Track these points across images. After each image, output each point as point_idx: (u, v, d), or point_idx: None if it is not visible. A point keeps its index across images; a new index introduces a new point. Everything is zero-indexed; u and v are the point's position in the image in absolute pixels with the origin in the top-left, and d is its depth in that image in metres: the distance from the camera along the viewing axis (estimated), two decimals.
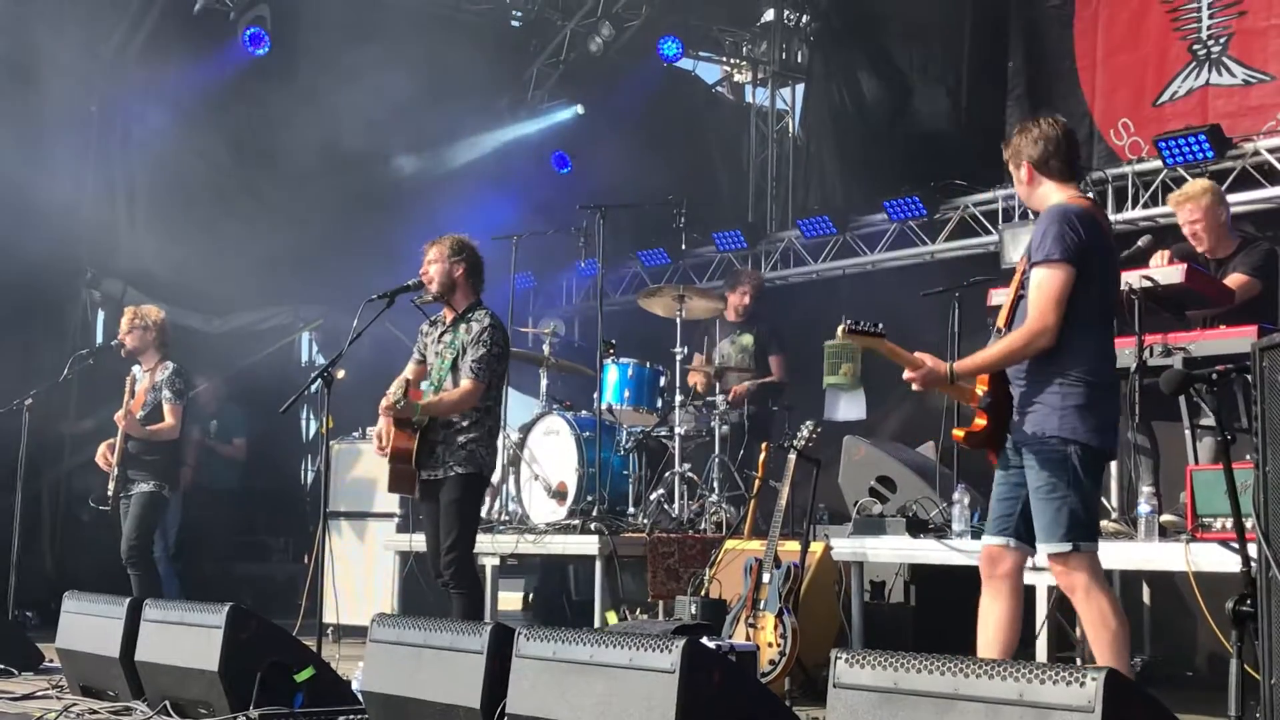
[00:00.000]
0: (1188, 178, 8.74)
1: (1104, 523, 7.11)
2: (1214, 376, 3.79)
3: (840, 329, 4.79)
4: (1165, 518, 6.32)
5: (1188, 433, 6.34)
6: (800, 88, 13.92)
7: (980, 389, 4.89)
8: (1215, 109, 9.27)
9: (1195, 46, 9.43)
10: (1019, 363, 4.82)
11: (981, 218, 10.37)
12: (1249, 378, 3.69)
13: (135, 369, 8.42)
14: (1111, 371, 4.96)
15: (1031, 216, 9.58)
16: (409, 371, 6.84)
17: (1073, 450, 4.73)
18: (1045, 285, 4.73)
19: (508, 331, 6.95)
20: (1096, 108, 9.87)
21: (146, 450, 8.23)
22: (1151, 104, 9.62)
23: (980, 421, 4.90)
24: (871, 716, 3.25)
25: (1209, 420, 6.48)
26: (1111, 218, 9.31)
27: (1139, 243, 7.22)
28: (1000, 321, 5.01)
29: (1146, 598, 8.39)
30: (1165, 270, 6.41)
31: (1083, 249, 4.74)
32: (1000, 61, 10.74)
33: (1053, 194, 4.95)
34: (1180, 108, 9.43)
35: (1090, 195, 4.98)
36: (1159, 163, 9.10)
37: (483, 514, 7.99)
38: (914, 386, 4.91)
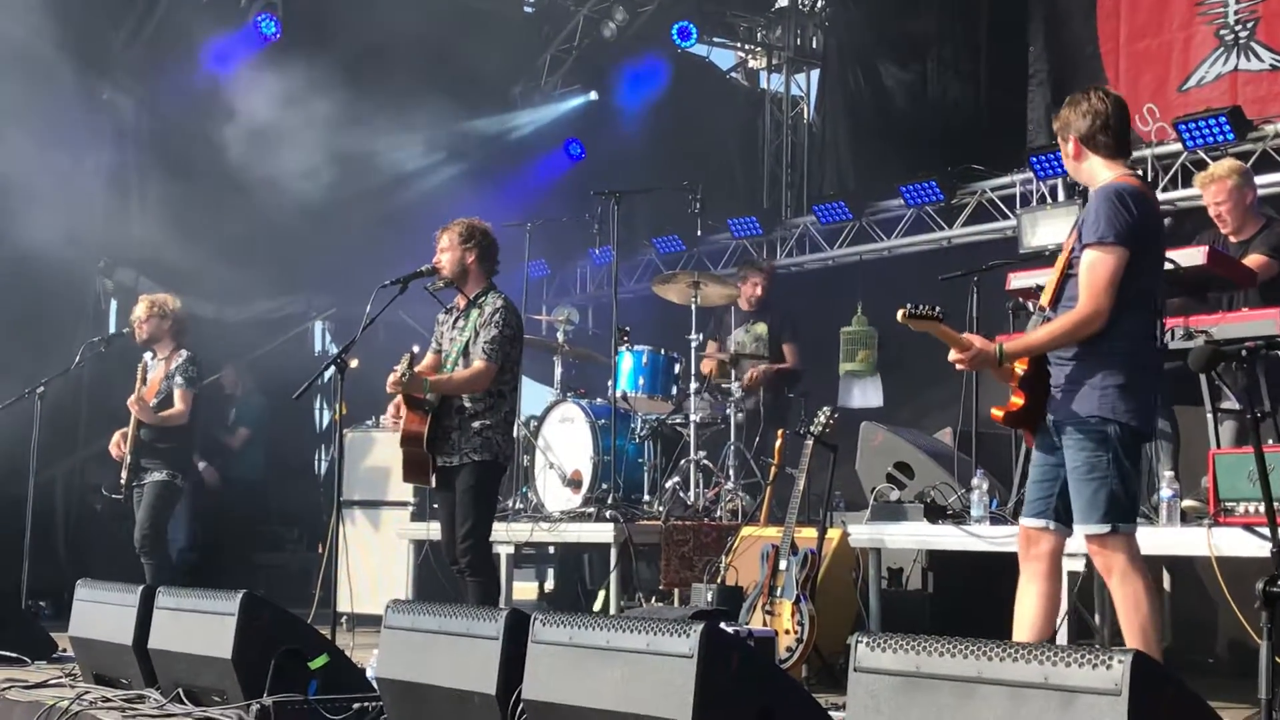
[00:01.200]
0: (1208, 160, 8.66)
1: None
2: (1243, 353, 3.73)
3: (900, 313, 4.71)
4: (1186, 503, 6.25)
5: (1209, 416, 6.26)
6: (815, 73, 13.88)
7: (1020, 368, 4.84)
8: (1245, 94, 9.19)
9: (1222, 31, 9.35)
10: (1069, 345, 4.75)
11: (999, 202, 10.30)
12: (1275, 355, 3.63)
13: (147, 356, 8.40)
14: (1154, 352, 4.89)
15: (1049, 202, 9.59)
16: (426, 362, 6.80)
17: (1113, 430, 4.68)
18: (1099, 268, 4.66)
19: (521, 315, 6.91)
20: (1121, 93, 9.73)
21: (160, 438, 8.21)
22: (1178, 89, 9.53)
23: (1017, 400, 4.86)
24: (893, 700, 3.20)
25: (1230, 404, 6.43)
26: None
27: None
28: (1045, 300, 4.94)
29: (1167, 584, 8.32)
30: (1187, 252, 6.35)
31: (1135, 230, 4.67)
32: (1020, 45, 10.66)
33: (1100, 170, 4.88)
34: (1208, 93, 9.34)
35: (1139, 173, 4.92)
36: (1179, 145, 9.01)
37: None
38: (960, 367, 4.87)
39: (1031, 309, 7.41)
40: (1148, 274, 4.80)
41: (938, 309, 4.74)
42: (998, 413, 4.97)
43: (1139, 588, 4.72)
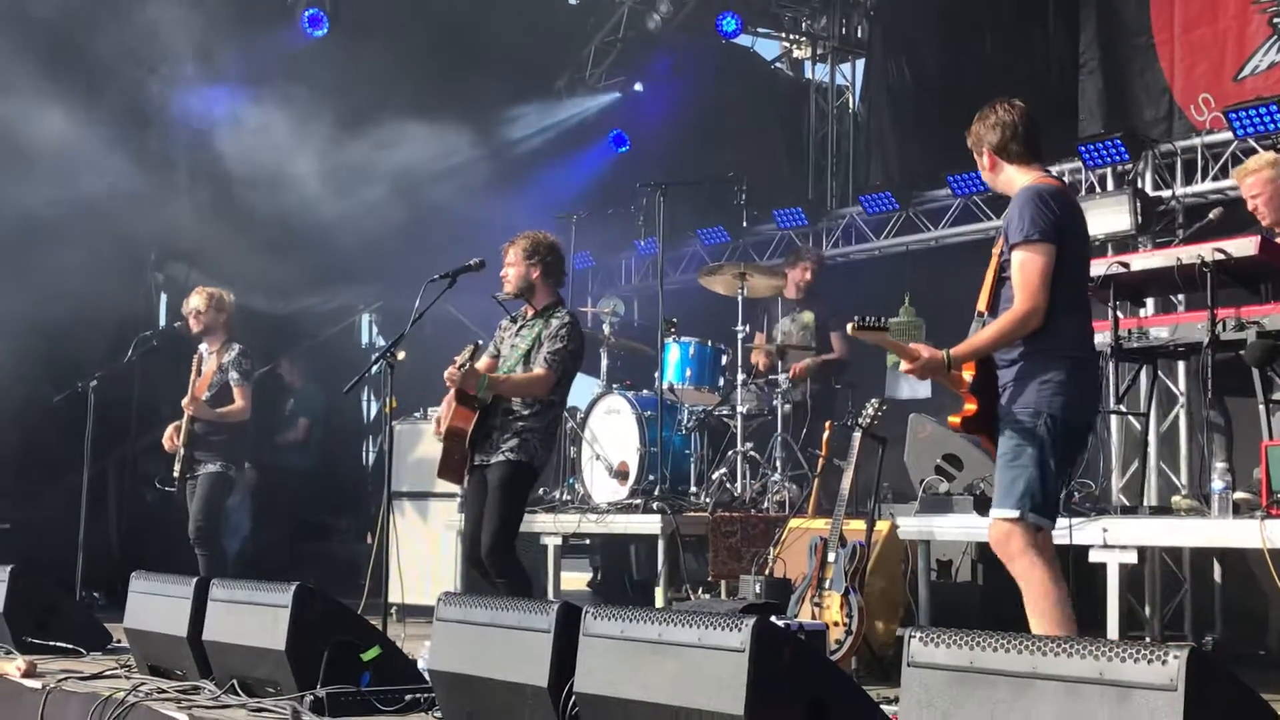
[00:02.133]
0: (1258, 149, 8.58)
1: (1175, 499, 7.04)
2: None
3: (850, 326, 4.84)
4: (1239, 495, 6.21)
5: (1262, 408, 6.22)
6: (860, 63, 13.81)
7: (967, 374, 4.94)
8: None
9: (1276, 20, 9.25)
10: (1011, 345, 4.86)
11: None
12: None
13: (202, 347, 8.47)
14: (1091, 348, 5.07)
15: (1099, 191, 9.52)
16: (482, 364, 6.84)
17: (1043, 422, 4.80)
18: (1029, 265, 4.80)
19: (583, 332, 6.97)
20: (1176, 83, 9.69)
21: (213, 431, 8.28)
22: (1232, 79, 9.43)
23: (970, 406, 4.96)
24: (947, 695, 3.20)
25: None
26: (1181, 190, 9.21)
27: (1210, 215, 7.12)
28: (982, 306, 5.03)
29: (1218, 576, 8.28)
30: (1238, 242, 6.30)
31: (1059, 226, 4.82)
32: (1070, 34, 10.58)
33: (1017, 177, 5.03)
34: (1262, 82, 9.24)
35: (1058, 175, 5.13)
36: (1229, 134, 8.93)
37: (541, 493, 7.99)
38: (914, 378, 4.96)
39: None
40: (1076, 270, 4.98)
41: (883, 319, 4.84)
42: (955, 419, 5.08)
43: (1044, 575, 4.80)
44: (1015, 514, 4.80)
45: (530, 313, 6.86)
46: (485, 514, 6.59)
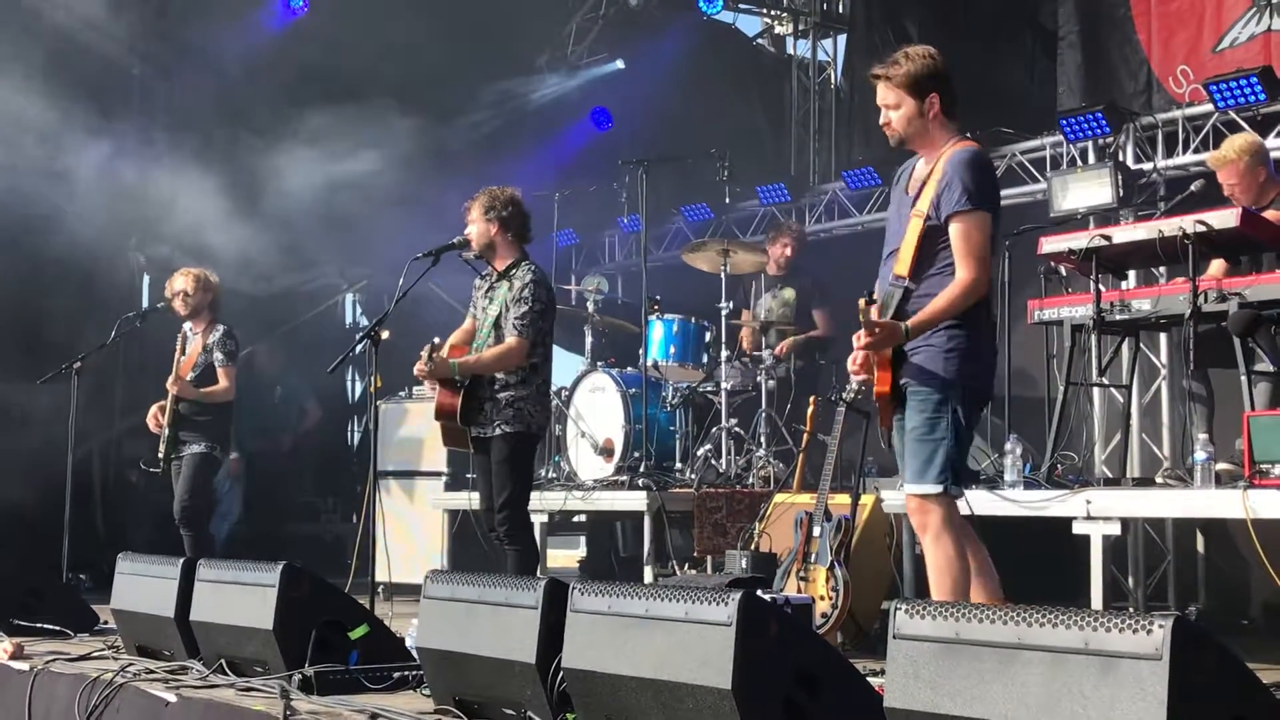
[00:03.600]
0: (1239, 121, 8.61)
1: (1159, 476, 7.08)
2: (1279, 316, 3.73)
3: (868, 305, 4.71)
4: (1221, 466, 6.26)
5: (1244, 379, 6.25)
6: (842, 38, 13.81)
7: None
8: (1278, 55, 9.09)
9: None
10: (957, 314, 4.75)
11: (1029, 165, 10.24)
12: None
13: (186, 327, 8.44)
14: (989, 315, 5.01)
15: (1080, 165, 9.52)
16: (463, 328, 6.84)
17: (953, 393, 4.75)
18: (975, 234, 4.73)
19: (552, 286, 6.91)
20: (1154, 55, 9.69)
21: (198, 411, 8.27)
22: (1211, 50, 9.43)
23: (885, 374, 4.84)
24: (933, 667, 3.21)
25: (1265, 365, 6.42)
26: (1162, 163, 9.22)
27: (1191, 187, 7.16)
28: (904, 271, 4.84)
29: (1201, 546, 8.34)
30: (1220, 214, 6.33)
31: (996, 197, 4.86)
32: (1049, 6, 10.59)
33: (940, 134, 4.89)
34: (1242, 54, 9.25)
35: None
36: (1210, 106, 8.94)
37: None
38: (867, 350, 4.81)
39: (1064, 273, 7.43)
40: (994, 241, 4.90)
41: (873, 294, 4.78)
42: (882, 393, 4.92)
43: (952, 551, 4.78)
44: (939, 489, 4.76)
45: (495, 273, 6.81)
46: (494, 487, 6.60)
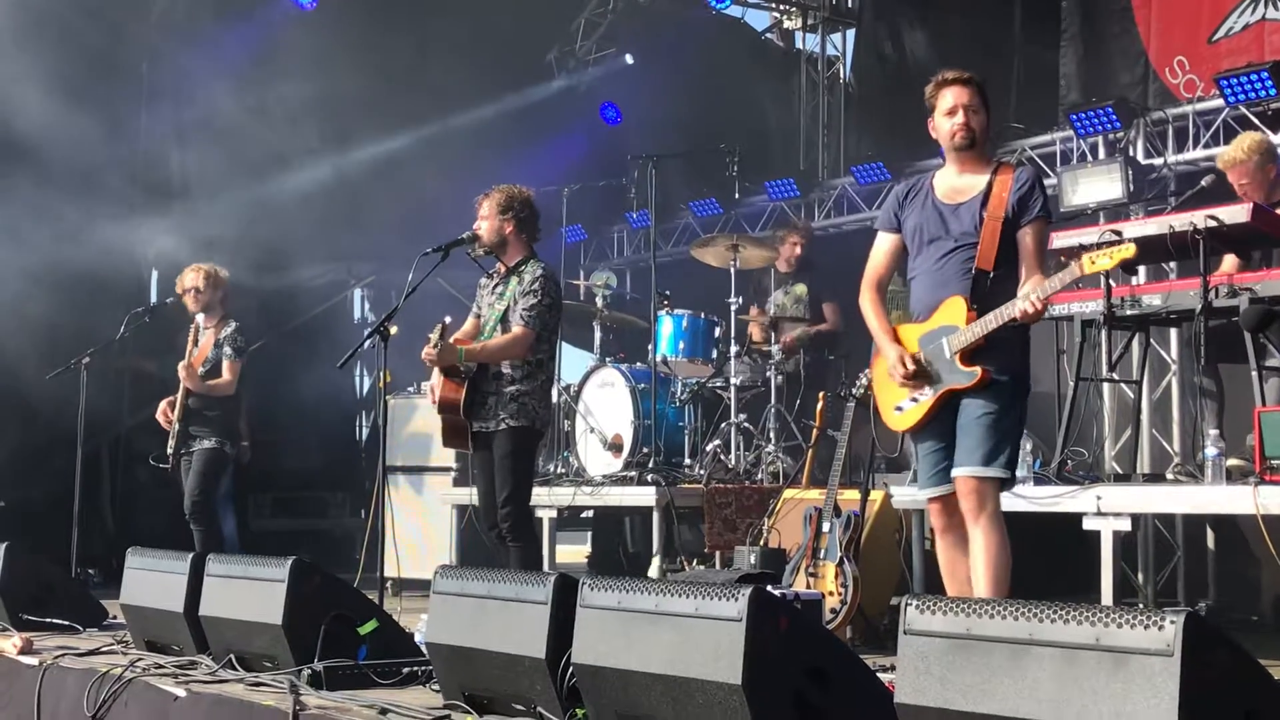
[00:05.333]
0: (1250, 116, 8.58)
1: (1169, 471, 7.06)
2: None
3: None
4: (1231, 461, 6.24)
5: (1254, 375, 6.23)
6: (851, 33, 13.78)
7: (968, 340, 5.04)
8: (1272, 44, 9.10)
9: None
10: None
11: (1039, 160, 10.23)
12: None
13: (200, 318, 8.44)
14: None
15: (1089, 160, 9.50)
16: (466, 327, 6.82)
17: (1024, 387, 5.09)
18: (1046, 241, 5.26)
19: (561, 284, 6.90)
20: (1151, 46, 9.70)
21: (208, 407, 8.27)
22: (1207, 40, 9.43)
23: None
24: (943, 663, 3.21)
25: (1276, 361, 6.40)
26: (1173, 158, 9.21)
27: (1202, 182, 7.12)
28: (988, 265, 5.07)
29: (1211, 543, 8.31)
30: (1231, 209, 6.31)
31: None
32: (1053, 2, 10.58)
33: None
34: (1236, 44, 9.25)
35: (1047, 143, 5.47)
36: (1220, 101, 8.92)
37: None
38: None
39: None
40: None
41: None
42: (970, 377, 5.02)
43: (1005, 535, 4.97)
44: (1005, 474, 4.97)
45: (503, 269, 6.79)
46: (496, 482, 6.57)
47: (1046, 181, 9.84)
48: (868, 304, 5.40)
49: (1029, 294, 4.86)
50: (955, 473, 5.01)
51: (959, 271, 5.10)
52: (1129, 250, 4.84)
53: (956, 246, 5.13)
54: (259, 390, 9.98)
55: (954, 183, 5.27)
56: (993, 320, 4.92)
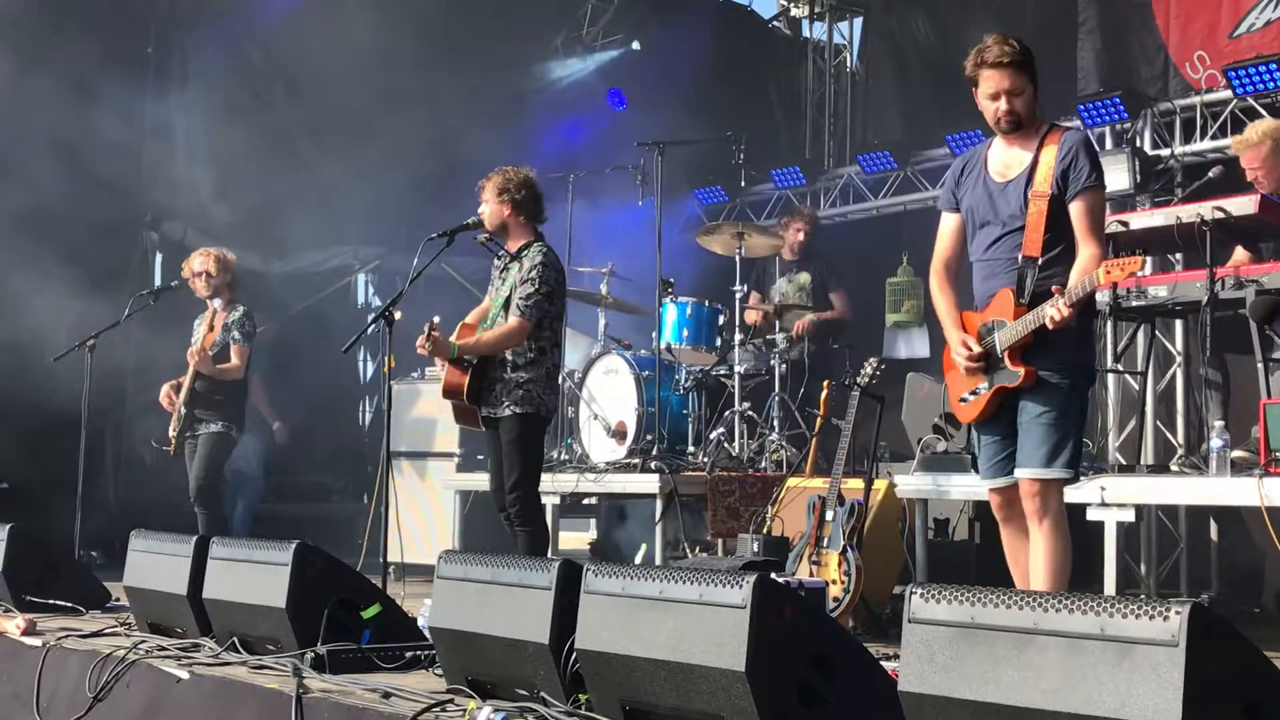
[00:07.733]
0: (1258, 107, 8.56)
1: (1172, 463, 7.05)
2: None
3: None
4: (1236, 453, 6.23)
5: (1260, 365, 6.22)
6: (858, 21, 13.75)
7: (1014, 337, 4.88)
8: None
9: None
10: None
11: None
12: None
13: (215, 302, 8.43)
14: None
15: (1098, 150, 9.46)
16: (480, 307, 6.84)
17: (1085, 380, 4.91)
18: (1100, 210, 4.91)
19: (563, 269, 6.88)
20: (1171, 41, 9.65)
21: (215, 390, 8.28)
22: (1228, 36, 9.39)
23: (1021, 365, 4.86)
24: (947, 651, 3.20)
25: None
26: (1180, 149, 9.18)
27: (1210, 174, 7.11)
28: (1034, 251, 4.87)
29: (1214, 534, 8.31)
30: (1238, 201, 6.30)
31: None
32: None
33: (1037, 115, 5.05)
34: (1257, 40, 9.21)
35: None
36: (1228, 93, 8.90)
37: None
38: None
39: None
40: None
41: None
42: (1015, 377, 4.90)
43: (1069, 539, 4.86)
44: (1068, 474, 4.83)
45: (508, 254, 6.78)
46: (504, 468, 6.59)
47: None
48: (936, 288, 5.21)
49: (1056, 300, 4.65)
50: (1018, 473, 4.91)
51: (1007, 261, 4.94)
52: (1137, 264, 4.69)
53: (1004, 233, 4.96)
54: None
55: (1004, 156, 5.06)
56: (1032, 321, 4.74)
